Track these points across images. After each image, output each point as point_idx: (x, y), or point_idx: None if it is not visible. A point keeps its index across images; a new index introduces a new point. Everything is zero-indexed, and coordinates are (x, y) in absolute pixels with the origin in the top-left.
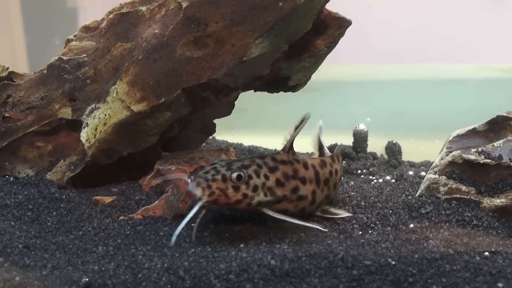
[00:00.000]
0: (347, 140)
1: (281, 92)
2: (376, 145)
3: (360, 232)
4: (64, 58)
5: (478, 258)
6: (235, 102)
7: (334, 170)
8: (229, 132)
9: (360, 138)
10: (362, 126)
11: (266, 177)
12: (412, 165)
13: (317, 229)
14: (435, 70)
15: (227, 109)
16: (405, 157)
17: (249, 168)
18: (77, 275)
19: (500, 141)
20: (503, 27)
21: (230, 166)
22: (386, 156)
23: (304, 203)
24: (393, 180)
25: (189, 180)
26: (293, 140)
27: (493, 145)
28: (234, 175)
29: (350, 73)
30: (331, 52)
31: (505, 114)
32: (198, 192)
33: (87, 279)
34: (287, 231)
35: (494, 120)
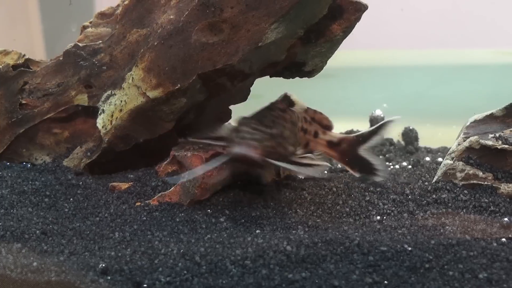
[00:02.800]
0: (364, 126)
1: (298, 78)
2: (393, 131)
3: (377, 218)
4: (80, 44)
5: (495, 244)
6: (251, 88)
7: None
8: None
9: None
10: (378, 112)
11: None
12: (429, 151)
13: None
14: (453, 55)
15: (243, 95)
16: (422, 143)
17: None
18: (94, 260)
19: None
20: None
21: (265, 123)
22: (402, 142)
23: None
24: (410, 166)
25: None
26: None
27: (510, 131)
28: (275, 131)
29: (367, 59)
30: (348, 38)
31: None
32: (252, 153)
33: (104, 265)
34: (303, 217)
35: None
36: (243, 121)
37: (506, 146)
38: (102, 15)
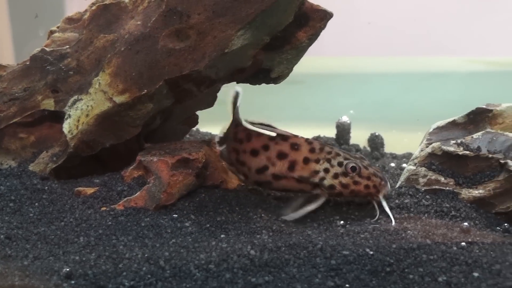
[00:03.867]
0: (331, 132)
1: (265, 84)
2: (359, 137)
3: (341, 223)
4: (47, 49)
5: (455, 248)
6: (220, 94)
7: None
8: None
9: (343, 130)
10: (345, 118)
11: None
12: (394, 157)
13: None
14: (421, 62)
15: (210, 101)
16: (388, 149)
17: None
18: (58, 265)
19: (479, 133)
20: (489, 20)
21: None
22: (368, 148)
23: None
24: None
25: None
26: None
27: (472, 137)
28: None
29: (334, 66)
30: (316, 45)
31: (484, 107)
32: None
33: (68, 269)
34: (267, 221)
35: (474, 112)
36: (354, 164)
37: (467, 152)
38: (69, 20)
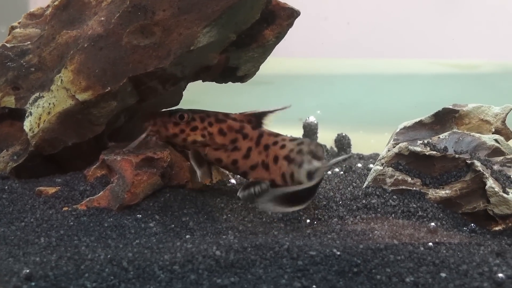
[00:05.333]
0: (297, 132)
1: (234, 84)
2: (326, 138)
3: (307, 222)
4: (8, 45)
5: (422, 248)
6: (187, 94)
7: (281, 145)
8: None
9: (310, 131)
10: (312, 119)
11: (210, 124)
12: (361, 157)
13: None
14: (387, 64)
15: (175, 99)
16: (355, 149)
17: (197, 114)
18: (18, 266)
19: (446, 133)
20: (454, 23)
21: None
22: (335, 149)
23: (237, 155)
24: (342, 172)
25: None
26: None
27: (438, 137)
28: (178, 114)
29: (302, 67)
30: (284, 46)
31: (450, 107)
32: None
33: (28, 271)
34: (234, 222)
35: (440, 112)
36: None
37: (434, 152)
38: (31, 15)
